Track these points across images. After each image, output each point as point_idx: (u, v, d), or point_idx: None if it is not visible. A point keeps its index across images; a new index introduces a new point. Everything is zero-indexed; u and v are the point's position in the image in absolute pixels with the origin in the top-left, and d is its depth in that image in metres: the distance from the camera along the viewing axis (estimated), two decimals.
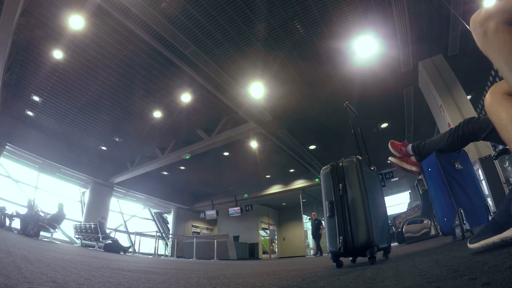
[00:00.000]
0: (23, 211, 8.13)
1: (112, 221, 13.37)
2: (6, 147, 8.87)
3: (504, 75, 0.71)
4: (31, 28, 5.36)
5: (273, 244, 16.90)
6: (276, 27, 5.03)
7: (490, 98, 0.81)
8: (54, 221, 7.96)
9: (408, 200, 12.64)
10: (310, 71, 6.17)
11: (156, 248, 9.95)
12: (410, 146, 2.14)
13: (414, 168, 2.13)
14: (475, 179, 2.11)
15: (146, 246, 12.31)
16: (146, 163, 10.82)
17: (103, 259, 3.28)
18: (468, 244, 1.02)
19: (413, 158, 2.15)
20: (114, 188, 12.57)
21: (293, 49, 5.54)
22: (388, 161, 2.23)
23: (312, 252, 15.08)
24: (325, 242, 1.91)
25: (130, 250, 9.48)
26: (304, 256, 13.07)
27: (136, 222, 15.95)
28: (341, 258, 1.72)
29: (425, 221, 5.76)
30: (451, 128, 1.81)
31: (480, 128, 1.55)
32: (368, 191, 1.76)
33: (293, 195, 13.92)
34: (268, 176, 13.41)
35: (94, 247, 8.51)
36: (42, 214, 8.14)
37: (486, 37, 0.73)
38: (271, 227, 16.95)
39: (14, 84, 6.98)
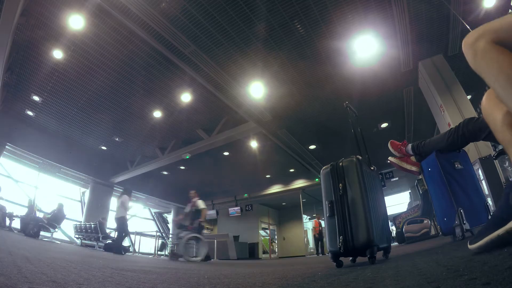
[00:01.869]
0: (23, 210, 8.14)
1: (112, 221, 13.33)
2: (6, 147, 8.88)
3: (496, 92, 0.74)
4: (31, 28, 5.36)
5: (273, 244, 16.90)
6: (276, 27, 5.03)
7: (486, 101, 0.85)
8: (54, 221, 7.97)
9: (408, 200, 12.64)
10: (310, 71, 6.17)
11: (156, 248, 9.95)
12: (410, 146, 2.14)
13: (414, 168, 2.13)
14: (475, 179, 2.11)
15: (146, 246, 12.30)
16: (146, 163, 10.83)
17: (103, 259, 3.28)
18: (468, 245, 0.99)
19: (413, 158, 2.15)
20: (114, 188, 12.58)
21: (293, 49, 5.54)
22: (388, 161, 2.22)
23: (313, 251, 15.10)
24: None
25: (130, 250, 9.48)
26: (304, 256, 13.08)
27: (136, 222, 15.96)
28: (341, 258, 1.72)
29: (425, 221, 5.76)
30: (451, 128, 1.81)
31: (480, 128, 1.56)
32: (368, 191, 1.76)
33: (293, 195, 13.93)
34: (268, 176, 13.41)
35: (94, 247, 8.51)
36: (40, 215, 8.14)
37: (476, 57, 0.77)
38: (271, 227, 16.95)
39: (14, 84, 6.98)
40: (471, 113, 4.90)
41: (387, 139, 2.41)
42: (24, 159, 9.89)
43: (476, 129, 1.59)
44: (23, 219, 7.47)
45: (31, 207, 8.03)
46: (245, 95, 6.69)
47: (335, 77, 6.37)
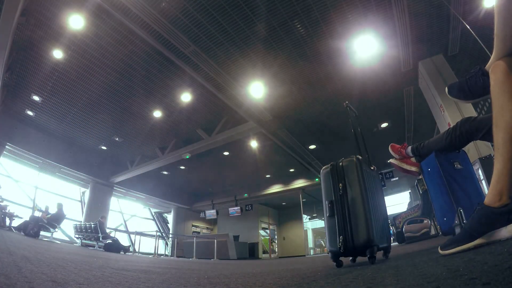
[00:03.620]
0: (22, 210, 8.14)
1: (112, 221, 13.39)
2: (6, 146, 8.87)
3: None
4: (31, 28, 5.36)
5: (273, 243, 16.91)
6: (276, 27, 5.03)
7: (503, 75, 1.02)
8: (54, 221, 7.97)
9: (408, 200, 12.64)
10: (310, 71, 6.17)
11: (156, 248, 9.96)
12: (409, 148, 2.14)
13: (413, 168, 2.13)
14: (474, 178, 2.10)
15: (146, 245, 12.31)
16: (146, 162, 10.83)
17: (103, 258, 3.28)
18: (439, 250, 1.13)
19: (413, 159, 2.16)
20: (114, 188, 12.58)
21: (293, 49, 5.54)
22: (389, 162, 2.23)
23: (312, 252, 15.12)
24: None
25: (130, 249, 9.48)
26: (304, 255, 13.08)
27: (136, 221, 15.97)
28: (341, 258, 1.72)
29: (425, 221, 5.77)
30: (449, 129, 1.82)
31: (477, 127, 1.56)
32: (368, 190, 1.76)
33: (293, 194, 13.93)
34: (268, 176, 13.41)
35: (94, 246, 8.51)
36: (40, 214, 8.13)
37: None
38: (271, 227, 16.96)
39: (14, 84, 6.98)
40: (471, 113, 4.90)
41: (387, 139, 2.41)
42: (24, 158, 9.89)
43: (473, 129, 1.59)
44: (27, 222, 7.44)
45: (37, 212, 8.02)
46: (245, 95, 6.68)
47: (335, 77, 6.37)
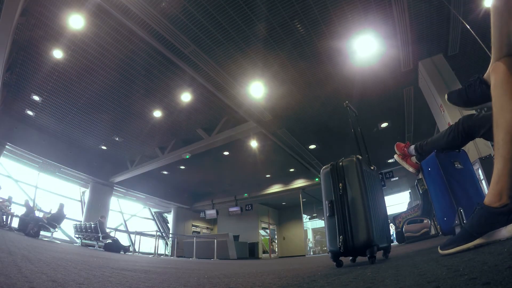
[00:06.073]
0: (21, 210, 8.14)
1: (112, 221, 13.39)
2: (6, 146, 8.87)
3: None
4: (31, 28, 5.36)
5: (273, 243, 16.91)
6: (276, 27, 5.03)
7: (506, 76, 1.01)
8: (54, 221, 7.98)
9: (408, 200, 12.64)
10: (310, 71, 6.16)
11: (156, 248, 9.96)
12: (412, 146, 2.15)
13: (411, 169, 2.15)
14: (475, 178, 2.10)
15: (146, 245, 12.31)
16: (146, 162, 10.83)
17: (103, 258, 3.28)
18: (439, 249, 1.14)
19: (413, 159, 2.16)
20: (114, 188, 12.58)
21: (293, 49, 5.53)
22: (393, 159, 2.26)
23: (312, 252, 15.11)
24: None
25: (130, 249, 9.49)
26: (304, 255, 13.08)
27: (136, 221, 15.97)
28: (341, 258, 1.73)
29: (425, 221, 5.77)
30: (451, 125, 1.82)
31: (479, 125, 1.56)
32: (368, 190, 1.76)
33: (293, 194, 13.94)
34: (268, 176, 13.41)
35: (94, 246, 8.51)
36: (40, 214, 8.14)
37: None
38: (271, 227, 16.96)
39: (14, 83, 6.98)
40: (471, 112, 4.89)
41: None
42: (24, 158, 9.89)
43: (476, 125, 1.59)
44: (22, 219, 7.46)
45: (29, 207, 8.02)
46: (245, 95, 6.68)
47: (335, 77, 6.36)
